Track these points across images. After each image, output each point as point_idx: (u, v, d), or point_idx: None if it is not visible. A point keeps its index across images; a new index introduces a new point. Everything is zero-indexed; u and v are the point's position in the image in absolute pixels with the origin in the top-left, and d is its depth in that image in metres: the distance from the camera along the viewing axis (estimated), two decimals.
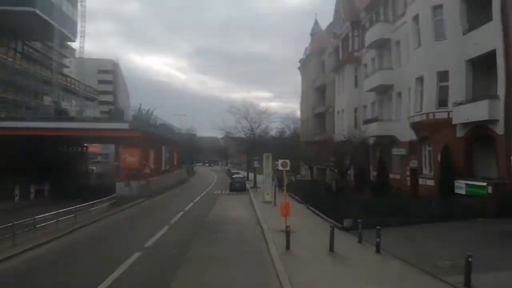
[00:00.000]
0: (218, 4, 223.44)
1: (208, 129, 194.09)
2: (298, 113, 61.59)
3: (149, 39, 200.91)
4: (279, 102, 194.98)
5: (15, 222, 14.63)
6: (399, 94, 27.64)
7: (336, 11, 38.83)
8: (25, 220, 15.92)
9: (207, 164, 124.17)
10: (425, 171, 23.22)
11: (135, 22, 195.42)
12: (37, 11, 39.03)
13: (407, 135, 25.11)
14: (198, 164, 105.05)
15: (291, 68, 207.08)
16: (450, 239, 14.70)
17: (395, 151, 26.88)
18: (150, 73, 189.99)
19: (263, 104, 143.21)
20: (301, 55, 58.87)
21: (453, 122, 20.46)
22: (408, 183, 25.47)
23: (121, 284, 10.45)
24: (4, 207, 26.21)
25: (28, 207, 26.12)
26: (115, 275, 11.02)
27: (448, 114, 20.90)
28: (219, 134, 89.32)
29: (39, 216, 16.79)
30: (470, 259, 8.93)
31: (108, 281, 10.47)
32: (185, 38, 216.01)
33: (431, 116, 21.80)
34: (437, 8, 21.50)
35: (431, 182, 22.06)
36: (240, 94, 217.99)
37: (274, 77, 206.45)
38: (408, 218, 17.24)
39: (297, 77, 60.20)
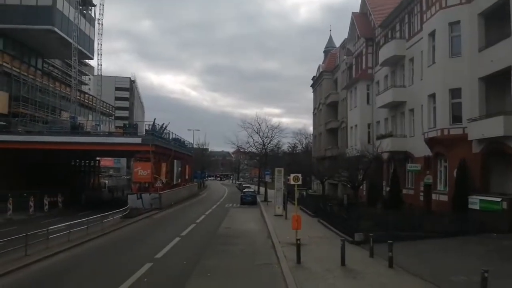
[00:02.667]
0: (229, 22, 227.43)
1: (220, 144, 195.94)
2: (310, 128, 61.83)
3: (162, 56, 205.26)
4: (289, 117, 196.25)
5: (29, 233, 14.80)
6: (412, 110, 27.59)
7: (351, 27, 39.13)
8: (38, 230, 16.13)
9: (219, 178, 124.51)
10: (439, 187, 22.95)
11: (148, 40, 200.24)
12: (56, 29, 40.27)
13: (421, 150, 24.94)
14: (209, 178, 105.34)
15: (301, 85, 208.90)
16: (464, 254, 14.46)
17: (410, 166, 26.66)
18: (164, 90, 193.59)
19: (275, 120, 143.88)
20: (310, 71, 59.81)
21: (469, 138, 20.27)
22: (422, 198, 25.17)
23: None
24: (19, 218, 26.63)
25: (42, 218, 26.42)
26: (125, 285, 11.05)
27: (463, 130, 20.74)
28: (230, 149, 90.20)
29: (52, 227, 16.98)
30: (486, 274, 8.72)
31: None
32: (196, 56, 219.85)
33: (446, 132, 21.64)
34: (455, 24, 21.49)
35: (444, 198, 21.78)
36: (250, 110, 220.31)
37: (284, 93, 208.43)
38: (421, 233, 17.06)
39: (307, 93, 61.08)
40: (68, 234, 17.42)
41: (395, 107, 29.87)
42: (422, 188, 25.41)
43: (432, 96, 22.83)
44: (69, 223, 18.03)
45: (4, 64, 37.42)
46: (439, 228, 17.59)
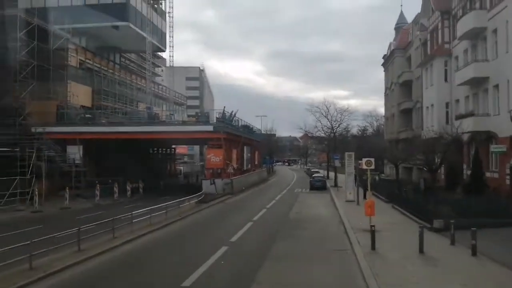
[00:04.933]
0: (289, 6, 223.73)
1: (287, 129, 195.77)
2: (380, 110, 59.59)
3: (226, 45, 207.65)
4: (357, 99, 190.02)
5: (115, 217, 16.07)
6: (496, 86, 25.35)
7: (425, 1, 36.76)
8: (123, 215, 17.45)
9: (287, 164, 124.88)
10: None
11: (212, 29, 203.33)
12: (131, 25, 42.53)
13: (507, 130, 22.93)
14: (277, 163, 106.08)
15: (368, 65, 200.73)
16: None
17: (494, 147, 24.67)
18: (229, 77, 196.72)
19: (342, 102, 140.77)
20: (376, 50, 57.62)
21: None
22: (508, 182, 23.25)
23: (211, 275, 11.00)
24: (105, 203, 28.99)
25: (125, 203, 28.53)
26: (205, 265, 11.64)
27: None
28: (298, 134, 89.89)
29: (135, 211, 18.26)
30: None
31: (199, 271, 11.12)
32: (259, 42, 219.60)
33: None
34: None
35: None
36: (316, 93, 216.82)
37: (350, 75, 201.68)
38: (506, 219, 15.82)
39: (376, 73, 58.72)
40: (149, 218, 18.59)
41: (477, 83, 27.65)
42: (508, 171, 23.45)
43: None
44: (150, 208, 19.21)
45: (87, 60, 40.53)
46: None
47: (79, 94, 37.68)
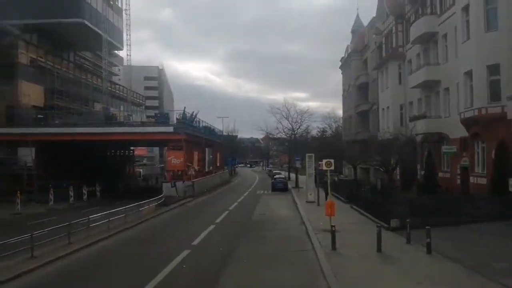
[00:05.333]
0: (247, 6, 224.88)
1: (249, 130, 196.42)
2: (338, 112, 61.01)
3: (185, 44, 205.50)
4: (316, 101, 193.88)
5: (71, 222, 15.43)
6: (447, 89, 26.67)
7: (380, 5, 38.02)
8: (79, 220, 16.77)
9: (248, 165, 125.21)
10: (477, 169, 22.22)
11: (170, 29, 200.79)
12: (86, 22, 41.03)
13: (457, 131, 24.16)
14: (239, 165, 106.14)
15: (325, 67, 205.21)
16: (505, 239, 14.04)
17: (445, 148, 25.92)
18: (189, 78, 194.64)
19: (301, 104, 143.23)
20: (334, 53, 58.86)
21: (508, 117, 19.40)
22: (458, 181, 24.49)
23: (172, 280, 10.80)
24: (60, 207, 27.78)
25: (81, 207, 27.49)
26: (166, 270, 11.43)
27: (502, 109, 19.89)
28: (259, 135, 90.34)
29: (93, 216, 17.60)
30: None
31: (159, 276, 10.88)
32: (218, 42, 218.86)
33: (483, 111, 20.84)
34: None
35: (483, 181, 21.10)
36: (276, 95, 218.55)
37: (309, 77, 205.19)
38: (458, 217, 16.65)
39: (333, 76, 59.96)
40: (107, 222, 18.00)
41: (429, 86, 28.94)
42: (458, 171, 24.72)
43: (469, 74, 21.97)
44: (107, 212, 18.61)
45: (39, 58, 38.64)
46: (478, 213, 17.12)
47: (31, 94, 35.85)
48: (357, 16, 56.51)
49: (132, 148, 58.24)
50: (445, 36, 26.67)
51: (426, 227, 12.42)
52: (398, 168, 30.13)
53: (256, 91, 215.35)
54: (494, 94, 20.54)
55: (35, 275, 11.36)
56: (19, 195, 26.60)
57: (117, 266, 12.59)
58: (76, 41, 46.35)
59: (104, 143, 39.95)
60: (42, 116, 35.24)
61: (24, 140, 31.49)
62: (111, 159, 50.66)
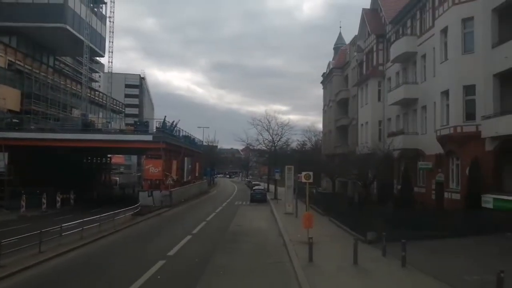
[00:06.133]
0: (232, 20, 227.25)
1: (229, 141, 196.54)
2: (318, 125, 61.64)
3: (167, 54, 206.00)
4: (296, 114, 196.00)
5: (42, 230, 14.96)
6: (424, 107, 27.31)
7: (362, 24, 38.86)
8: (51, 228, 16.31)
9: (228, 176, 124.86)
10: (452, 185, 22.72)
11: (152, 38, 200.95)
12: (68, 27, 40.54)
13: (433, 148, 24.69)
14: (218, 175, 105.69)
15: (307, 82, 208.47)
16: (478, 253, 14.34)
17: (421, 164, 26.43)
18: (171, 87, 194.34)
19: (282, 117, 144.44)
20: (316, 68, 60.48)
21: (482, 136, 19.99)
22: (433, 196, 24.95)
23: None
24: (32, 214, 26.97)
25: (54, 215, 26.75)
26: (140, 281, 11.19)
27: (477, 128, 20.45)
28: (239, 146, 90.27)
29: (65, 224, 17.14)
30: (502, 274, 8.63)
31: (133, 287, 10.64)
32: (201, 53, 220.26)
33: (459, 130, 21.39)
34: (467, 20, 21.21)
35: (457, 196, 21.56)
36: (257, 107, 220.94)
37: (291, 90, 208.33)
38: (433, 231, 16.92)
39: (314, 90, 60.89)
40: (81, 231, 17.56)
41: (407, 104, 29.59)
42: (434, 187, 25.18)
43: (445, 93, 22.58)
44: (81, 220, 18.17)
45: (17, 61, 37.84)
46: (452, 227, 17.43)
47: (7, 97, 34.85)
48: (340, 33, 57.68)
49: (109, 155, 57.29)
50: (424, 56, 27.42)
51: (402, 240, 12.56)
52: (375, 182, 30.52)
53: (238, 103, 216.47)
54: (470, 113, 21.12)
55: (2, 286, 10.94)
56: None
57: (88, 276, 12.25)
58: (57, 45, 45.71)
59: (81, 150, 39.17)
60: (17, 121, 34.33)
61: None
62: (87, 166, 49.71)
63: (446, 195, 23.03)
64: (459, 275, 11.32)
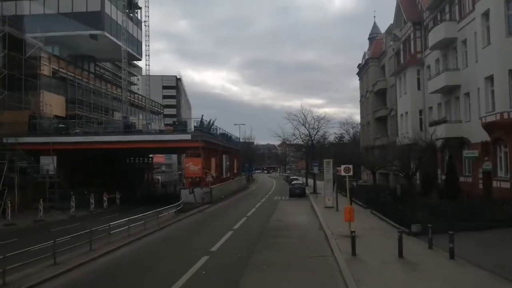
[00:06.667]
0: (262, 16, 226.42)
1: (265, 136, 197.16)
2: (355, 117, 60.72)
3: (201, 54, 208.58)
4: (332, 107, 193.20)
5: (92, 229, 15.66)
6: (467, 94, 26.24)
7: (397, 12, 37.79)
8: (100, 226, 17.04)
9: (266, 171, 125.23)
10: (500, 173, 21.74)
11: (186, 39, 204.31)
12: (106, 34, 42.03)
13: (479, 136, 23.71)
14: (256, 171, 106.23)
15: (342, 74, 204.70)
16: None
17: (467, 153, 25.45)
18: (206, 86, 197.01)
19: (319, 111, 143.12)
20: (350, 60, 59.09)
21: None
22: (481, 186, 23.97)
23: (192, 286, 10.85)
24: (81, 214, 28.29)
25: (102, 214, 27.92)
26: (186, 276, 11.48)
27: None
28: (276, 141, 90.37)
29: (113, 222, 17.84)
30: None
31: (180, 282, 10.96)
32: (233, 51, 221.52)
33: (505, 116, 20.41)
34: (510, 1, 20.23)
35: (506, 185, 20.62)
36: (291, 102, 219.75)
37: (325, 84, 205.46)
38: (481, 222, 16.30)
39: (350, 82, 59.44)
40: (127, 229, 18.23)
41: (449, 91, 28.55)
42: (480, 176, 24.20)
43: (490, 78, 21.60)
44: (127, 218, 18.82)
45: (60, 69, 39.68)
46: (502, 217, 16.71)
47: (52, 104, 36.75)
48: (374, 23, 56.22)
49: (150, 155, 58.93)
50: (464, 41, 26.34)
51: (449, 232, 12.17)
52: (418, 173, 29.68)
53: (272, 98, 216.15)
54: None
55: (58, 282, 11.52)
56: (41, 202, 27.22)
57: (138, 271, 12.72)
58: (96, 52, 47.49)
59: (123, 151, 40.57)
60: (63, 126, 36.02)
61: (46, 149, 32.22)
62: (130, 166, 51.39)
63: (494, 184, 22.08)
64: (510, 266, 10.84)
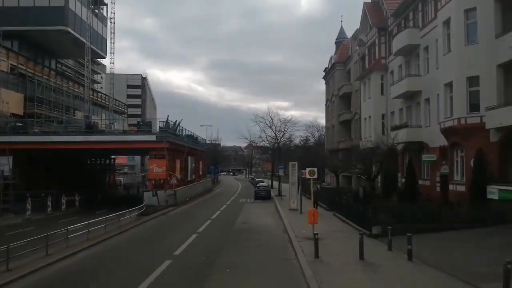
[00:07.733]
0: (230, 18, 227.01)
1: (231, 138, 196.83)
2: (320, 121, 61.70)
3: (167, 54, 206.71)
4: (298, 110, 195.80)
5: (49, 233, 15.00)
6: (428, 100, 27.21)
7: (363, 17, 38.71)
8: (58, 230, 16.36)
9: (231, 173, 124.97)
10: (456, 177, 22.63)
11: (152, 38, 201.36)
12: (69, 30, 40.62)
13: (437, 140, 24.61)
14: (222, 173, 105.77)
15: (307, 77, 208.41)
16: (483, 245, 14.30)
17: (425, 157, 26.37)
18: (172, 86, 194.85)
19: (284, 113, 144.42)
20: (316, 63, 59.75)
21: (486, 127, 19.91)
22: (438, 189, 24.90)
23: None
24: (37, 217, 27.07)
25: (60, 217, 26.83)
26: (147, 281, 11.21)
27: (481, 119, 20.35)
28: (242, 143, 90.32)
29: (72, 226, 17.17)
30: (509, 266, 8.58)
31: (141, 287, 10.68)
32: (200, 52, 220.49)
33: (462, 121, 21.28)
34: (470, 11, 21.04)
35: (462, 188, 21.48)
36: (258, 104, 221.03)
37: (291, 86, 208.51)
38: (438, 224, 16.91)
39: (315, 85, 60.51)
40: (87, 233, 17.64)
41: (410, 97, 29.49)
42: (438, 179, 25.12)
43: (449, 85, 22.46)
44: (87, 222, 18.20)
45: (19, 65, 37.98)
46: (458, 220, 17.40)
47: (10, 101, 35.05)
48: (341, 27, 57.43)
49: (113, 156, 57.44)
50: (426, 48, 27.29)
51: (407, 234, 12.53)
52: (379, 176, 30.47)
53: (239, 100, 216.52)
54: (473, 104, 21.00)
55: None
56: None
57: (96, 277, 12.28)
58: (58, 48, 45.83)
59: (85, 152, 39.32)
60: (21, 124, 34.47)
61: (2, 149, 30.66)
62: (91, 168, 49.87)
63: (451, 187, 22.96)
64: (466, 267, 11.29)
